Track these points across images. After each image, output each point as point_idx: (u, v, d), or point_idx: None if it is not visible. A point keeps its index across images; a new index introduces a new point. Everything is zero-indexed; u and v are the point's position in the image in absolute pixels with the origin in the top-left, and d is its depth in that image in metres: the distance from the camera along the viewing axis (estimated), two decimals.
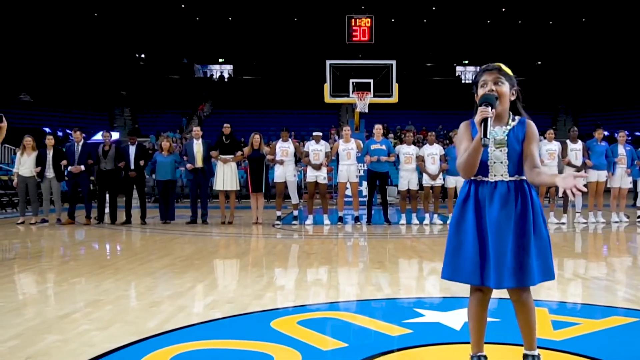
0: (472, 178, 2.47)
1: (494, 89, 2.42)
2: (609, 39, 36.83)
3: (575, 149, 10.66)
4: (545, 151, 10.53)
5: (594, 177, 10.61)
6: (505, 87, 2.44)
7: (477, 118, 2.33)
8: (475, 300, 2.52)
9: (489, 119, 2.31)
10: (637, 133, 24.92)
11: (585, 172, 10.56)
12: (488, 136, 2.29)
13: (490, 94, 2.39)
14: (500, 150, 2.43)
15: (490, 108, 2.33)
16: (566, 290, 4.62)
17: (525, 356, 2.55)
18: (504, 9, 36.50)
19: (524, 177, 2.44)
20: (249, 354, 2.93)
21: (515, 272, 2.34)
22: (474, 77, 2.56)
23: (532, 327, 2.51)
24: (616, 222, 10.83)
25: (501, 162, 2.43)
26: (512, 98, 2.49)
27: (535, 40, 38.44)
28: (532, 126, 2.47)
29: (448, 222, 10.51)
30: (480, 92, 2.45)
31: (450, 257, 2.48)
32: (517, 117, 2.49)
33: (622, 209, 11.13)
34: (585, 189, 2.16)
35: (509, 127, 2.46)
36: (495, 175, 2.43)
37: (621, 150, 10.91)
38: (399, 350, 2.99)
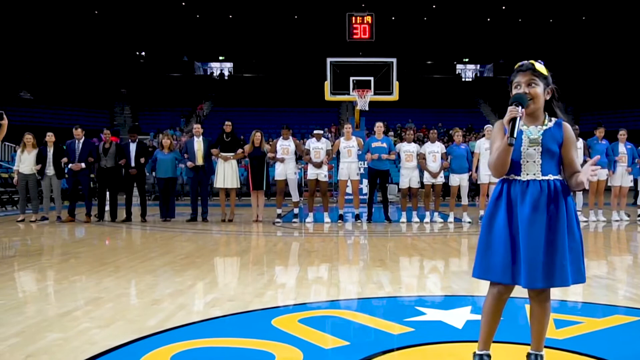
0: (505, 177, 2.47)
1: (527, 91, 2.41)
2: (610, 38, 36.80)
3: (577, 148, 10.64)
4: None
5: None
6: (539, 89, 2.43)
7: (506, 117, 2.33)
8: (493, 297, 2.50)
9: (518, 118, 2.31)
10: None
11: None
12: (514, 135, 2.30)
13: (522, 94, 2.39)
14: (534, 149, 2.43)
15: (520, 108, 2.33)
16: (568, 289, 4.60)
17: (529, 355, 2.54)
18: (504, 7, 36.46)
19: (558, 177, 2.44)
20: (251, 352, 2.92)
21: (547, 273, 2.34)
22: (509, 77, 2.51)
23: (545, 328, 2.52)
24: (617, 220, 10.82)
25: (534, 161, 2.42)
26: (547, 97, 2.48)
27: (536, 39, 38.39)
28: (569, 129, 2.48)
29: (449, 220, 10.53)
30: (513, 93, 2.45)
31: (481, 256, 2.47)
32: (553, 119, 2.49)
33: (622, 207, 11.12)
34: (597, 170, 2.32)
35: (544, 127, 2.45)
36: (527, 174, 2.42)
37: (622, 148, 10.89)
38: (400, 348, 2.99)
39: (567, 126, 2.48)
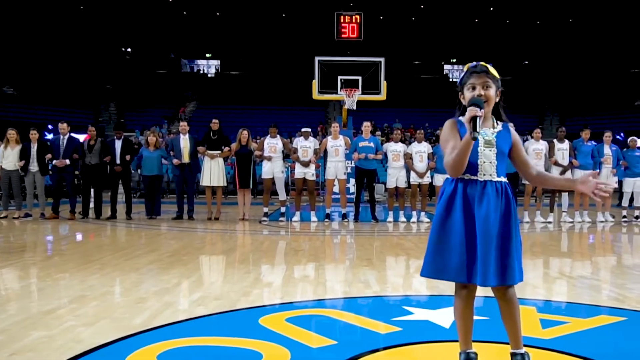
0: (460, 176, 2.47)
1: (482, 93, 2.44)
2: (596, 41, 37.13)
3: (562, 149, 10.74)
4: (532, 150, 10.59)
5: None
6: (492, 91, 2.47)
7: (467, 116, 2.35)
8: (460, 299, 2.54)
9: (479, 117, 2.33)
10: (619, 137, 25.08)
11: (571, 172, 10.66)
12: (478, 129, 2.31)
13: (479, 97, 2.41)
14: (490, 150, 2.46)
15: (479, 109, 2.35)
16: (553, 289, 4.65)
17: (513, 355, 2.55)
18: (492, 8, 36.65)
19: (505, 179, 2.48)
20: (238, 351, 2.90)
21: (499, 271, 2.36)
22: (460, 76, 2.55)
23: (518, 325, 2.52)
24: (602, 221, 10.92)
25: (490, 162, 2.45)
26: (497, 99, 2.52)
27: (523, 40, 38.69)
28: (515, 131, 2.59)
29: None
30: (468, 94, 2.48)
31: (433, 255, 2.47)
32: (499, 122, 2.54)
33: (607, 208, 11.23)
34: (612, 188, 2.35)
35: (496, 130, 2.50)
36: (484, 175, 2.44)
37: (607, 150, 10.99)
38: (388, 348, 2.98)
39: (512, 128, 2.58)
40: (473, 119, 2.31)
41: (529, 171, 2.56)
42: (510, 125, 2.58)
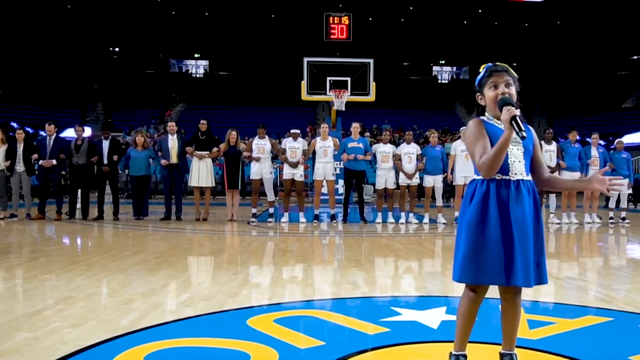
0: (491, 177, 2.43)
1: (506, 91, 2.42)
2: (584, 43, 37.46)
3: (550, 150, 10.80)
4: None
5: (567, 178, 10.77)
6: (514, 90, 2.45)
7: (506, 116, 2.29)
8: (469, 300, 2.50)
9: (517, 115, 2.31)
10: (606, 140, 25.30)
11: (559, 173, 10.73)
12: (523, 129, 2.29)
13: (507, 97, 2.39)
14: (518, 149, 2.44)
15: (514, 107, 2.33)
16: (540, 290, 4.66)
17: (503, 355, 2.56)
18: (480, 11, 36.85)
19: (531, 179, 2.48)
20: (226, 352, 2.89)
21: (535, 271, 2.38)
22: (479, 76, 2.51)
23: (517, 328, 2.54)
24: (589, 223, 11.00)
25: (519, 161, 2.44)
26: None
27: (511, 42, 38.92)
28: (534, 131, 2.57)
29: (424, 221, 10.52)
30: (490, 93, 2.45)
31: (471, 259, 2.38)
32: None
33: (594, 210, 11.31)
34: (621, 182, 2.41)
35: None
36: (516, 174, 2.42)
37: (594, 152, 11.08)
38: (376, 349, 2.98)
39: (532, 129, 2.56)
40: (514, 119, 2.28)
41: (542, 172, 2.56)
42: (530, 127, 2.55)
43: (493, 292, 2.59)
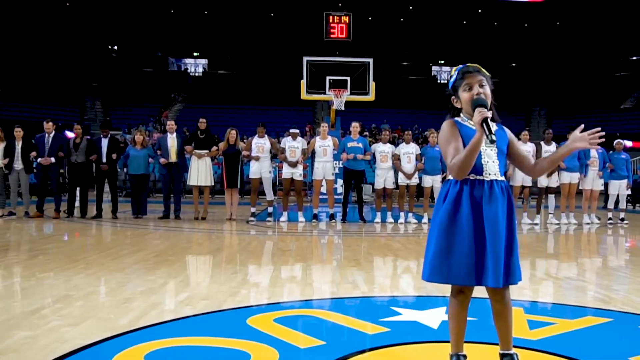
0: (464, 177, 2.42)
1: (481, 91, 2.41)
2: (583, 43, 37.47)
3: (549, 151, 10.80)
4: None
5: (566, 179, 10.78)
6: (488, 90, 2.44)
7: (477, 118, 2.29)
8: (456, 301, 2.51)
9: (489, 118, 2.30)
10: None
11: (558, 174, 10.74)
12: (493, 132, 2.28)
13: (481, 97, 2.38)
14: (492, 149, 2.44)
15: (486, 109, 2.33)
16: (540, 290, 4.66)
17: (502, 355, 2.55)
18: (480, 10, 36.85)
19: (505, 179, 2.48)
20: (226, 352, 2.88)
21: (507, 271, 2.37)
22: (452, 79, 2.51)
23: (511, 327, 2.53)
24: (588, 223, 11.01)
25: (493, 162, 2.43)
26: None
27: (510, 42, 38.93)
28: (508, 129, 2.57)
29: (423, 221, 10.50)
30: (466, 95, 2.43)
31: (440, 259, 2.39)
32: (493, 123, 2.49)
33: (593, 210, 11.31)
34: (600, 132, 2.36)
35: (494, 129, 2.46)
36: (489, 175, 2.42)
37: (593, 152, 11.07)
38: (376, 348, 2.97)
39: (506, 128, 2.56)
40: (485, 121, 2.27)
41: (527, 163, 2.56)
42: (504, 127, 2.57)
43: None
